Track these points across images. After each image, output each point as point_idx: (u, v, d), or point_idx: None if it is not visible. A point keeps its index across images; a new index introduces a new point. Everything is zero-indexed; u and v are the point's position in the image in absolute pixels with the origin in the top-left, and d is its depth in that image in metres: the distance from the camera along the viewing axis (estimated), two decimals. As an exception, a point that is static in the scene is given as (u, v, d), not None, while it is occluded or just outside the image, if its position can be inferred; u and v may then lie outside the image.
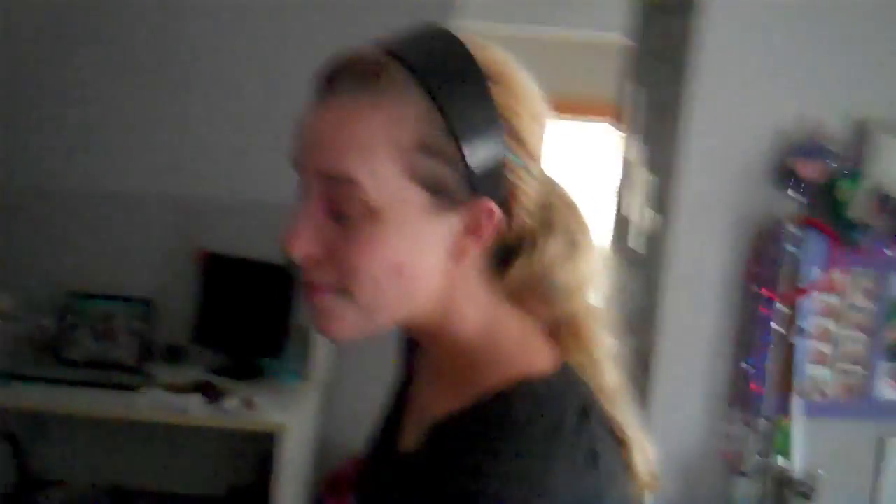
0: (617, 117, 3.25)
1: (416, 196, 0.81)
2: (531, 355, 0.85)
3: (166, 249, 4.04)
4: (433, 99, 0.79)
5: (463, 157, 0.81)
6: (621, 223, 2.93)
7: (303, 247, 0.82)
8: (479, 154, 0.82)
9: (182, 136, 4.04)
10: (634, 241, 2.61)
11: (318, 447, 3.91)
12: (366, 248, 0.81)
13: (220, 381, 3.63)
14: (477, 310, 0.89)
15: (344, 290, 0.82)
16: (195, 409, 3.33)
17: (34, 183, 3.89)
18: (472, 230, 0.84)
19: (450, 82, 0.81)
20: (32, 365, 3.53)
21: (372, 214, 0.80)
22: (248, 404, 3.42)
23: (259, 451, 3.78)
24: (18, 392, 3.31)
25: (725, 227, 2.11)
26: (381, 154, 0.80)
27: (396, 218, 0.81)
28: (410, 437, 0.91)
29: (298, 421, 3.51)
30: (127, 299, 3.79)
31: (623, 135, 3.05)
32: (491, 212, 0.83)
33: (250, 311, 3.56)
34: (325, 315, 0.84)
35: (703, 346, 2.11)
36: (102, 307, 3.80)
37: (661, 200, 2.29)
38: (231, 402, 3.42)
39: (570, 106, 4.18)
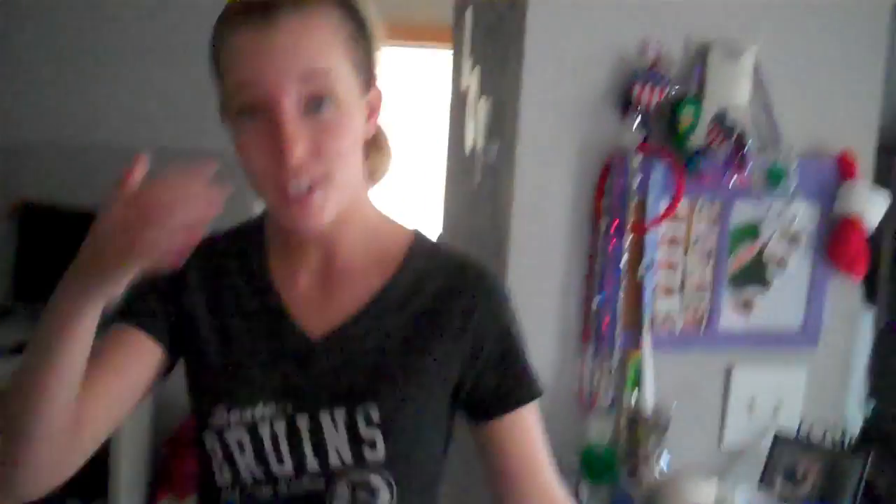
0: (452, 43, 3.13)
1: (354, 79, 1.08)
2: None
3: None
4: (344, 9, 1.07)
5: (371, 48, 1.11)
6: (459, 154, 2.85)
7: (297, 146, 1.02)
8: (377, 53, 1.13)
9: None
10: (475, 174, 2.54)
11: (156, 409, 3.73)
12: (340, 131, 1.06)
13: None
14: (365, 190, 1.20)
15: (329, 177, 1.05)
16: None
17: None
18: (371, 113, 1.14)
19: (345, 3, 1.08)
20: None
21: (338, 100, 1.05)
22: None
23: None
24: None
25: (569, 159, 2.04)
26: (336, 49, 1.06)
27: (349, 100, 1.07)
28: (321, 322, 1.15)
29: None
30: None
31: (458, 62, 2.95)
32: (381, 96, 1.15)
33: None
34: (317, 210, 1.05)
35: (553, 283, 2.05)
36: None
37: (501, 130, 2.22)
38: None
39: (407, 31, 4.03)
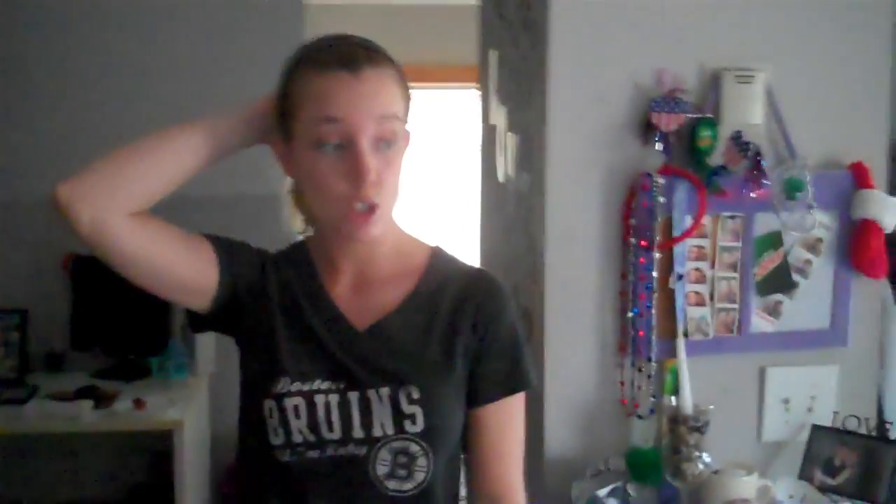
0: (479, 81, 3.30)
1: (404, 125, 1.34)
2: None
3: (33, 256, 3.93)
4: (397, 70, 1.34)
5: (409, 105, 1.36)
6: (492, 186, 3.00)
7: (372, 175, 1.26)
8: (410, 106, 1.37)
9: (29, 136, 3.90)
10: (508, 203, 2.69)
11: (213, 439, 3.88)
12: (395, 166, 1.32)
13: (106, 385, 3.57)
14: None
15: (384, 202, 1.31)
16: (86, 416, 3.27)
17: None
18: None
19: (396, 61, 1.35)
20: None
21: (398, 144, 1.31)
22: (139, 405, 3.37)
23: (153, 449, 3.73)
24: None
25: (596, 184, 2.19)
26: (399, 100, 1.32)
27: (402, 141, 1.33)
28: (363, 317, 1.38)
29: (191, 416, 3.48)
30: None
31: (486, 99, 3.11)
32: (409, 140, 1.37)
33: (127, 311, 3.48)
34: (371, 226, 1.30)
35: (589, 301, 2.20)
36: (-26, 322, 3.65)
37: (530, 161, 2.37)
38: (121, 405, 3.37)
39: (436, 73, 4.21)
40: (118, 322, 3.70)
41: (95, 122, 3.88)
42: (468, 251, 3.01)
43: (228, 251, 1.40)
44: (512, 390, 1.42)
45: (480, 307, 1.39)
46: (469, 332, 1.38)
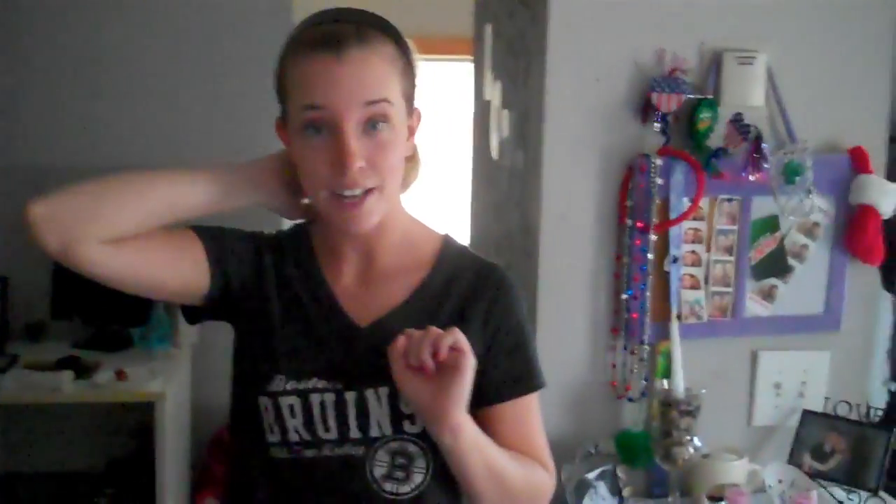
0: (473, 55, 3.26)
1: (403, 105, 1.27)
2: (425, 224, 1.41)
3: (13, 223, 3.85)
4: (397, 45, 1.27)
5: (415, 78, 1.30)
6: (484, 162, 2.97)
7: (357, 161, 1.20)
8: (417, 82, 1.31)
9: (17, 102, 3.83)
10: (502, 181, 2.65)
11: (194, 411, 3.85)
12: (391, 148, 1.24)
13: (87, 355, 3.52)
14: (399, 199, 1.36)
15: (381, 187, 1.24)
16: (66, 386, 3.23)
17: None
18: (411, 133, 1.32)
19: (398, 35, 1.29)
20: None
21: (392, 124, 1.23)
22: (120, 375, 3.33)
23: (135, 421, 3.70)
24: None
25: (593, 163, 2.16)
26: (392, 80, 1.24)
27: (399, 123, 1.25)
28: (365, 313, 1.32)
29: (174, 388, 3.44)
30: (-23, 278, 3.61)
31: (480, 74, 3.07)
32: (420, 118, 1.33)
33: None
34: (367, 213, 1.24)
35: (583, 282, 2.17)
36: (-49, 290, 3.59)
37: (525, 139, 2.33)
38: (103, 376, 3.33)
39: (428, 45, 4.15)
40: (100, 291, 3.64)
41: (85, 86, 3.83)
42: (457, 227, 2.98)
43: (219, 249, 1.33)
44: (527, 390, 1.35)
45: (492, 304, 1.33)
46: (479, 329, 1.31)
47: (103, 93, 3.84)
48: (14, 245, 3.67)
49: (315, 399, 1.27)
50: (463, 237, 2.60)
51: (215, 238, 1.33)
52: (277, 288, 1.34)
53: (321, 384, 1.28)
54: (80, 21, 3.82)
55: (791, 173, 2.14)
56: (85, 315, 3.72)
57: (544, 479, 1.36)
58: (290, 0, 3.84)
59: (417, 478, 1.30)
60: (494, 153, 2.72)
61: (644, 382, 2.14)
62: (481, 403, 1.31)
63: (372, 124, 1.21)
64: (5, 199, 3.70)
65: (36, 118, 3.84)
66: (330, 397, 1.28)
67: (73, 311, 3.71)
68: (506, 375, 1.33)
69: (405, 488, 1.30)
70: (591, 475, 2.05)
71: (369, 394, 1.27)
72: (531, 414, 1.37)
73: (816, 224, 2.24)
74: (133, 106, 3.84)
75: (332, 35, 1.21)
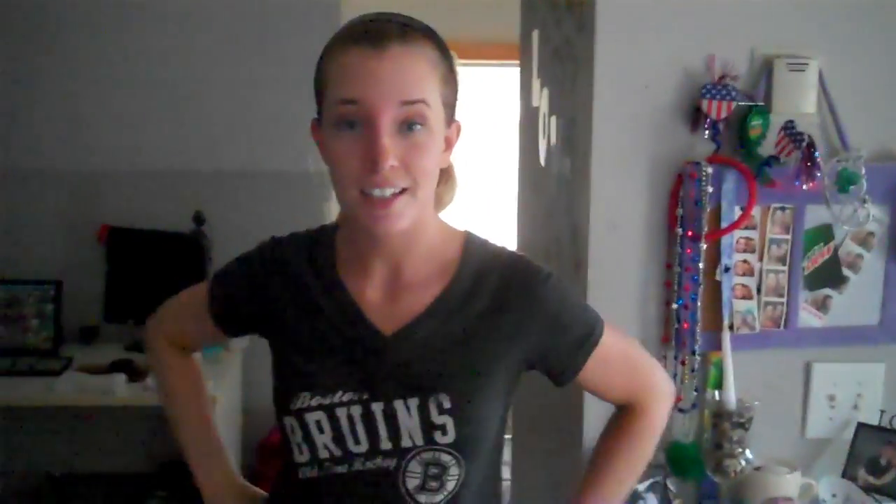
0: (520, 61, 3.25)
1: (441, 111, 1.24)
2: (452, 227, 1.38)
3: (68, 227, 3.93)
4: (440, 51, 1.24)
5: (456, 89, 1.28)
6: (532, 169, 2.96)
7: (389, 160, 1.17)
8: (458, 95, 1.29)
9: (71, 108, 3.90)
10: (549, 188, 2.64)
11: (244, 415, 3.89)
12: (426, 151, 1.21)
13: (139, 358, 3.57)
14: (431, 214, 1.34)
15: (413, 189, 1.21)
16: (119, 389, 3.28)
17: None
18: (448, 145, 1.30)
19: (442, 42, 1.26)
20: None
21: (429, 127, 1.21)
22: (173, 380, 3.35)
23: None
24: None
25: (642, 171, 2.14)
26: (432, 84, 1.21)
27: (436, 128, 1.23)
28: (390, 322, 1.30)
29: (224, 391, 3.48)
30: (34, 282, 3.68)
31: (527, 80, 3.06)
32: (459, 132, 1.32)
33: (161, 283, 3.48)
34: (396, 215, 1.20)
35: (633, 291, 2.15)
36: (8, 292, 3.67)
37: (573, 146, 2.32)
38: (154, 379, 3.36)
39: (475, 50, 4.14)
40: (152, 295, 3.70)
41: (128, 85, 3.88)
42: (503, 234, 2.96)
43: (227, 316, 1.47)
44: (592, 345, 1.37)
45: (527, 299, 1.31)
46: (515, 327, 1.30)
47: (158, 96, 3.88)
48: (68, 250, 3.76)
49: (342, 412, 1.26)
50: (510, 244, 2.59)
51: (223, 311, 1.48)
52: (294, 305, 1.34)
53: (346, 397, 1.26)
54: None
55: (845, 182, 2.11)
56: (137, 318, 3.77)
57: (652, 411, 1.49)
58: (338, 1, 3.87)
59: (450, 485, 1.29)
60: (542, 160, 2.71)
61: (695, 393, 2.11)
62: (569, 378, 1.36)
63: (408, 125, 1.19)
64: (61, 206, 3.79)
65: (90, 124, 3.90)
66: (357, 409, 1.26)
67: (125, 314, 3.76)
68: (569, 348, 1.35)
69: (438, 497, 1.29)
70: (641, 487, 2.03)
71: (399, 405, 1.26)
72: (613, 351, 1.41)
73: (871, 234, 2.19)
74: (190, 107, 3.86)
75: (374, 30, 1.20)
